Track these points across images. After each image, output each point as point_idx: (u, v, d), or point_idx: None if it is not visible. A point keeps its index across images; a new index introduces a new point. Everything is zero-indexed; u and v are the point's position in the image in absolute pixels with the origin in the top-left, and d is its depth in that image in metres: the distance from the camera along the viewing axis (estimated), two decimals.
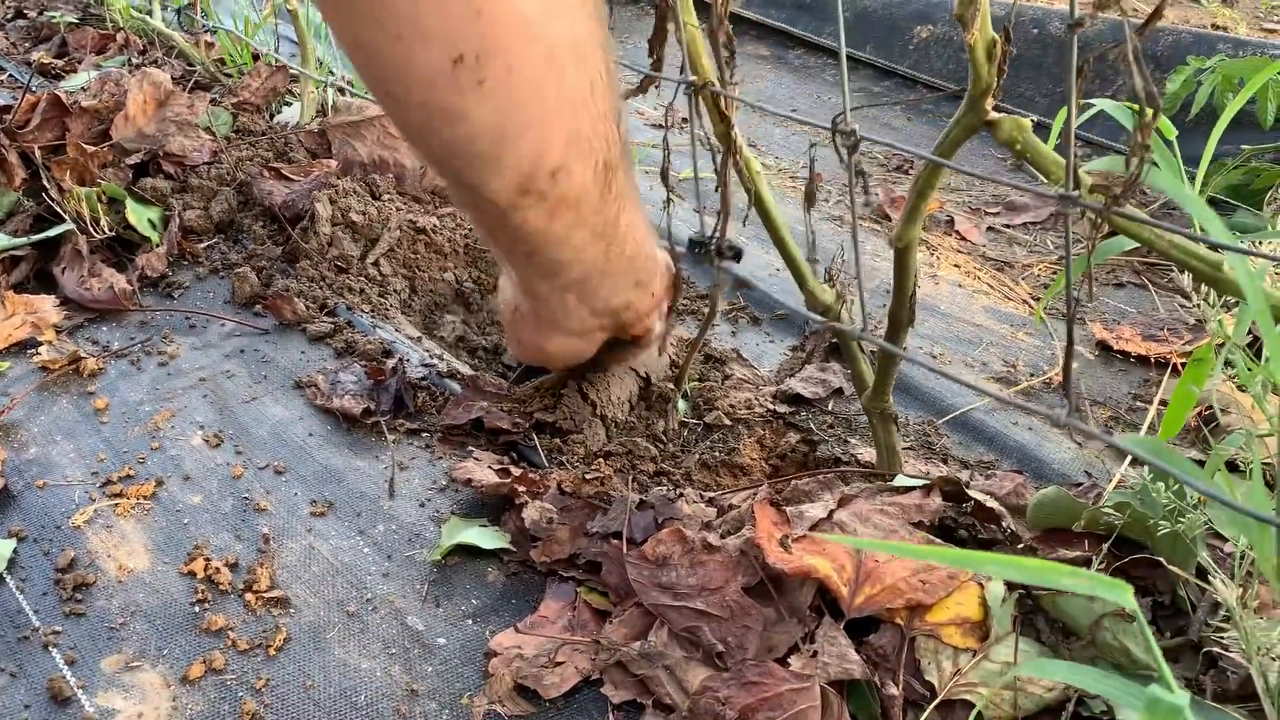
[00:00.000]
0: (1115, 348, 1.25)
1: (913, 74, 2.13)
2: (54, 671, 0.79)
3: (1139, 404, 1.16)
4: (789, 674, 0.71)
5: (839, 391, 1.17)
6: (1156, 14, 0.48)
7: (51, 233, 1.34)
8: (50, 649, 0.81)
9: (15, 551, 0.90)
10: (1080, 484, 0.93)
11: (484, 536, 0.92)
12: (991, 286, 1.42)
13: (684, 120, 0.86)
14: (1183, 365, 1.19)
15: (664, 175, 0.90)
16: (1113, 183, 0.53)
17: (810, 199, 0.78)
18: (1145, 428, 1.10)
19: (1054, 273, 1.46)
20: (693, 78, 0.80)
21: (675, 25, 0.80)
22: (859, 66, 2.24)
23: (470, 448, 1.05)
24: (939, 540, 0.83)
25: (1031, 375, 1.22)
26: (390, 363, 1.15)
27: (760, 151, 1.87)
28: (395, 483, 1.01)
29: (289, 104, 1.77)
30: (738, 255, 0.90)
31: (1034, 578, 0.48)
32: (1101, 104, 0.85)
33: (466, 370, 1.18)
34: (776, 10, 2.42)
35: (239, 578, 0.88)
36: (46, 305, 1.24)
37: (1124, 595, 0.48)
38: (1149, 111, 0.50)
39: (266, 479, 1.01)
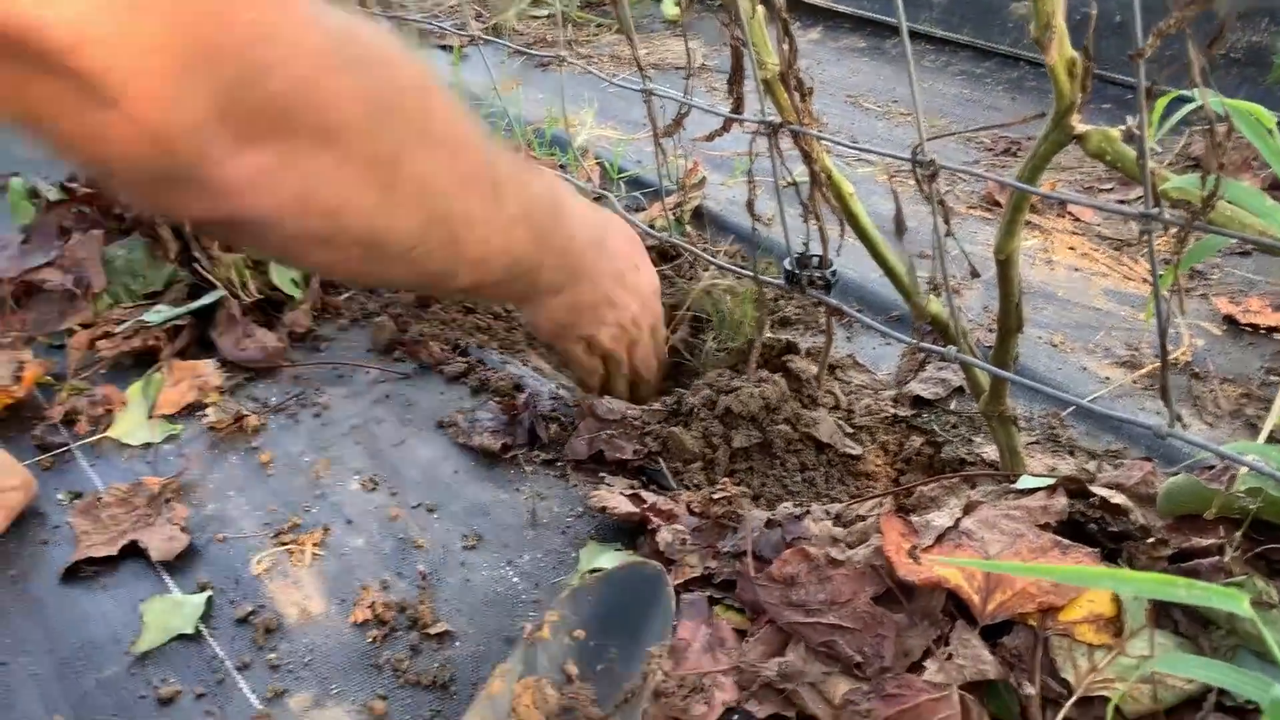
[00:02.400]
0: (1243, 321, 1.23)
1: (1013, 52, 2.10)
2: (250, 711, 0.88)
3: (1272, 378, 1.14)
4: (926, 684, 0.74)
5: (960, 390, 1.19)
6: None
7: (205, 300, 1.45)
8: (245, 691, 0.90)
9: (209, 602, 0.99)
10: (1212, 468, 0.92)
11: (620, 561, 0.97)
12: (1110, 267, 1.41)
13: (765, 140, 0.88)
14: None
15: (749, 207, 0.94)
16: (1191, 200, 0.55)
17: (900, 230, 0.80)
18: (1279, 404, 1.08)
19: (1169, 253, 1.44)
20: (771, 118, 0.84)
21: (752, 65, 0.84)
22: (958, 49, 2.22)
23: (602, 474, 1.11)
24: (1067, 539, 0.84)
25: (1156, 358, 1.20)
26: (521, 397, 1.21)
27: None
28: (536, 513, 1.07)
29: None
30: (828, 286, 0.93)
31: (1151, 592, 0.51)
32: (1202, 97, 0.85)
33: (588, 397, 1.23)
34: (870, 1, 2.42)
35: (405, 614, 0.96)
36: (209, 369, 1.34)
37: (1239, 605, 0.49)
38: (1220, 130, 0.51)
39: (420, 517, 1.09)
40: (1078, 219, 1.54)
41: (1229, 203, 0.66)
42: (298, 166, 0.55)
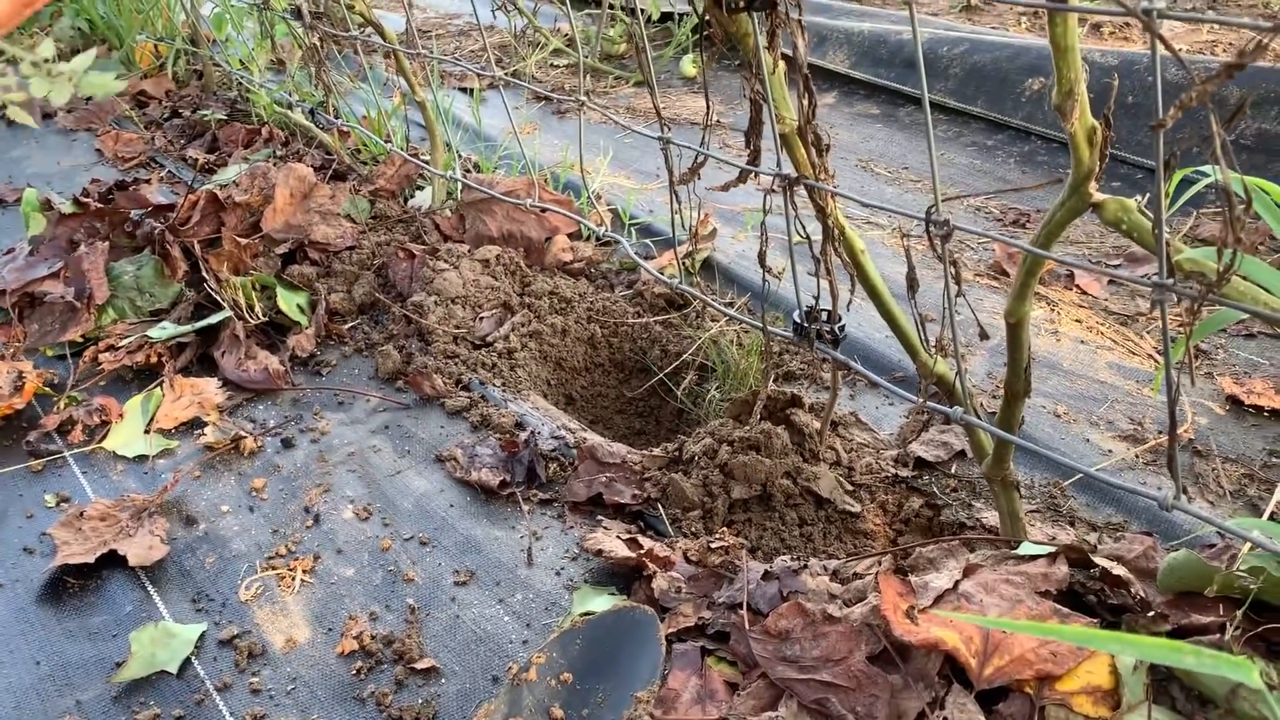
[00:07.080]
0: (1247, 402, 1.23)
1: (1025, 126, 2.13)
2: None
3: (1274, 459, 1.14)
4: None
5: (961, 454, 1.18)
6: (1231, 70, 0.49)
7: (212, 320, 1.45)
8: (224, 713, 0.89)
9: (201, 636, 0.97)
10: (1213, 545, 0.92)
11: (612, 605, 0.96)
12: (1115, 341, 1.41)
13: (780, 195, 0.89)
14: None
15: (761, 259, 0.94)
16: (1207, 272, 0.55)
17: (913, 287, 0.80)
18: None
19: (1179, 325, 1.44)
20: (786, 172, 0.84)
21: (770, 119, 0.84)
22: (970, 121, 2.24)
23: (599, 517, 1.10)
24: (1066, 608, 0.83)
25: (1159, 433, 1.20)
26: (523, 435, 1.21)
27: (871, 210, 1.90)
28: (531, 552, 1.06)
29: (421, 188, 1.88)
30: (836, 341, 0.93)
31: (1158, 657, 0.50)
32: (1221, 170, 0.86)
33: (590, 439, 1.23)
34: (886, 69, 2.45)
35: (391, 648, 0.94)
36: (210, 387, 1.34)
37: (1248, 674, 0.48)
38: (1239, 205, 0.51)
39: (412, 550, 1.07)
40: (1085, 292, 1.55)
41: (1242, 278, 0.66)
42: None
